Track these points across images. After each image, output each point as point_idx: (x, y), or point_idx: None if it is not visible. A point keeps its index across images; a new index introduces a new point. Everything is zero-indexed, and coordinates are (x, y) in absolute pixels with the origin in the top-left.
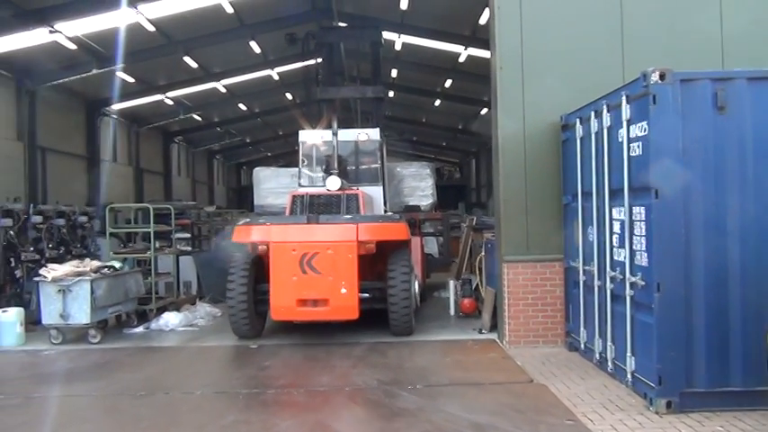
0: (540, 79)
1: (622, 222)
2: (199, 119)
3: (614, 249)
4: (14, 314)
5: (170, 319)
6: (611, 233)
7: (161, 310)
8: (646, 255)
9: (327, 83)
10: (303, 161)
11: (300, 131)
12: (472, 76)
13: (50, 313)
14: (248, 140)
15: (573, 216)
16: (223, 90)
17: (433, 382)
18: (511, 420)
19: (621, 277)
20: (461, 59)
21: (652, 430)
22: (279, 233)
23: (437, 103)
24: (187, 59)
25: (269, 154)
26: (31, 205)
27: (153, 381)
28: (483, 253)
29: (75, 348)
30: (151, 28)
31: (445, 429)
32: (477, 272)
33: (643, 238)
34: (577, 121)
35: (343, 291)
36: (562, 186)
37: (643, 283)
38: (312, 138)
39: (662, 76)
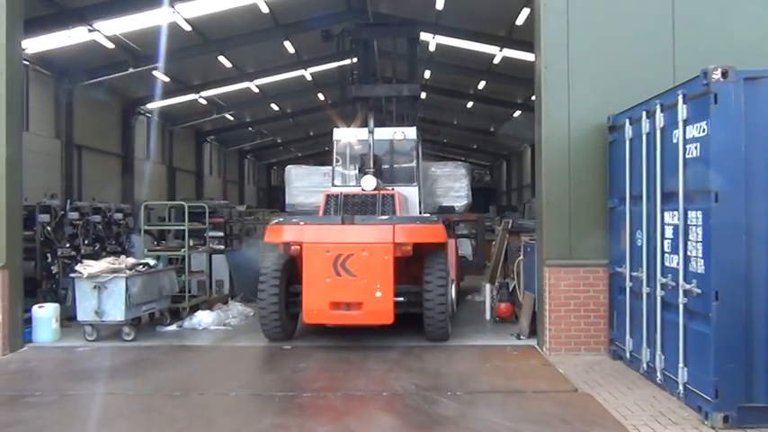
0: (586, 79)
1: (675, 227)
2: (231, 118)
3: (666, 255)
4: (50, 310)
5: (203, 317)
6: (663, 238)
7: (193, 309)
8: (702, 261)
9: (362, 81)
10: (337, 160)
11: (335, 129)
12: (506, 77)
13: (85, 310)
14: (279, 141)
15: (620, 220)
16: (256, 90)
17: (473, 389)
18: (557, 431)
19: (674, 284)
20: (496, 61)
21: None
22: (312, 233)
23: (469, 104)
24: (222, 59)
25: (299, 154)
26: (68, 201)
27: (187, 380)
28: (521, 256)
29: (110, 345)
30: (187, 27)
31: None
32: (515, 275)
33: (699, 243)
34: (626, 121)
35: (378, 294)
36: (608, 189)
37: (699, 291)
38: (347, 136)
39: (724, 74)
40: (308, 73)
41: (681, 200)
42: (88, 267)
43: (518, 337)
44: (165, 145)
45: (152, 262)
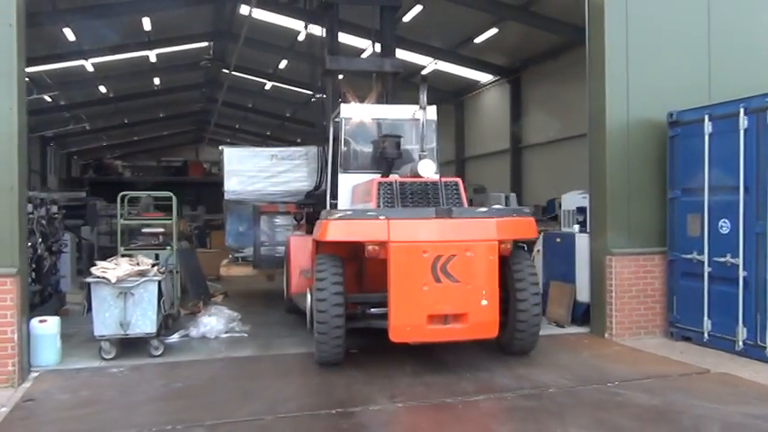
0: (643, 80)
1: None
2: (49, 100)
3: None
4: (54, 324)
5: (212, 323)
6: None
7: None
8: None
9: (330, 52)
10: (347, 142)
11: (342, 105)
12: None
13: (106, 322)
14: (88, 127)
15: (687, 210)
16: (91, 69)
17: (622, 378)
18: None
19: None
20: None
21: None
22: (402, 230)
23: (268, 86)
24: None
25: (105, 143)
26: None
27: (308, 397)
28: (538, 248)
29: (139, 364)
30: None
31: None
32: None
33: None
34: (706, 117)
35: (484, 302)
36: (668, 181)
37: None
38: (359, 113)
39: None
40: (153, 54)
41: None
42: (109, 270)
43: (559, 326)
44: None
45: (150, 262)
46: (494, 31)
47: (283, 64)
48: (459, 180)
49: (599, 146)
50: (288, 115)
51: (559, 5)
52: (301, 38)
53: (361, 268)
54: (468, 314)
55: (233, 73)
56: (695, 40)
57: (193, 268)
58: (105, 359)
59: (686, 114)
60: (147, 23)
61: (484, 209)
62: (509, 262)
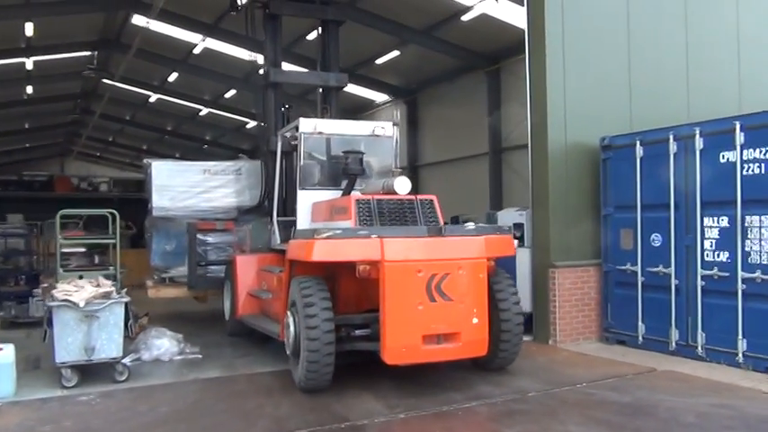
0: (579, 107)
1: (723, 229)
2: None
3: (706, 252)
4: (10, 353)
5: (165, 345)
6: (703, 239)
7: None
8: None
9: (272, 65)
10: (306, 157)
11: (301, 119)
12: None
13: (69, 347)
14: None
15: (620, 226)
16: None
17: (583, 380)
18: (724, 398)
19: (726, 274)
20: (196, 51)
21: None
22: (397, 249)
23: (153, 98)
24: None
25: None
26: None
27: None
28: None
29: (106, 390)
30: None
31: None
32: None
33: (766, 241)
34: (638, 142)
35: (475, 321)
36: (602, 199)
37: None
38: (317, 127)
39: None
40: (30, 61)
41: (739, 207)
42: (73, 293)
43: None
44: None
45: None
46: (396, 53)
47: (173, 77)
48: (434, 198)
49: (541, 167)
50: (169, 129)
51: (460, 31)
52: (197, 51)
53: (334, 288)
54: (460, 333)
55: (117, 84)
56: (619, 76)
57: None
58: (66, 387)
59: (618, 139)
60: (29, 28)
61: (472, 227)
62: (491, 280)
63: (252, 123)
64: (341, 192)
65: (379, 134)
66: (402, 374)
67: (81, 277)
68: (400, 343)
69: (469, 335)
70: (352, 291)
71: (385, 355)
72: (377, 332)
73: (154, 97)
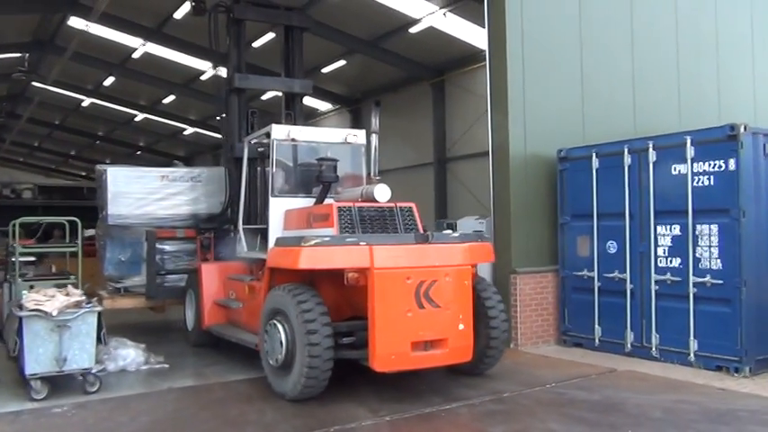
0: (538, 121)
1: (675, 237)
2: None
3: (659, 258)
4: None
5: (132, 355)
6: (657, 246)
7: None
8: (719, 260)
9: (237, 70)
10: (276, 164)
11: (273, 126)
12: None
13: (39, 359)
14: None
15: (576, 233)
16: None
17: (552, 380)
18: (683, 394)
19: (678, 279)
20: (136, 55)
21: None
22: (386, 256)
23: (86, 103)
24: None
25: None
26: None
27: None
28: None
29: (88, 400)
30: None
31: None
32: None
33: (714, 248)
34: (593, 155)
35: (462, 327)
36: (559, 208)
37: (716, 282)
38: (289, 135)
39: (745, 128)
40: None
41: (690, 216)
42: (45, 303)
43: None
44: None
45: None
46: (342, 62)
47: (109, 81)
48: (413, 205)
49: (503, 177)
50: (101, 134)
51: (407, 43)
52: (136, 55)
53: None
54: (448, 339)
55: (48, 87)
56: (573, 95)
57: None
58: (36, 399)
59: (575, 151)
60: None
61: (456, 234)
62: (477, 287)
63: (190, 130)
64: (314, 200)
65: (351, 142)
66: (379, 380)
67: (32, 287)
68: (389, 350)
69: (456, 341)
70: (332, 299)
71: (374, 363)
72: (363, 340)
73: (87, 101)
